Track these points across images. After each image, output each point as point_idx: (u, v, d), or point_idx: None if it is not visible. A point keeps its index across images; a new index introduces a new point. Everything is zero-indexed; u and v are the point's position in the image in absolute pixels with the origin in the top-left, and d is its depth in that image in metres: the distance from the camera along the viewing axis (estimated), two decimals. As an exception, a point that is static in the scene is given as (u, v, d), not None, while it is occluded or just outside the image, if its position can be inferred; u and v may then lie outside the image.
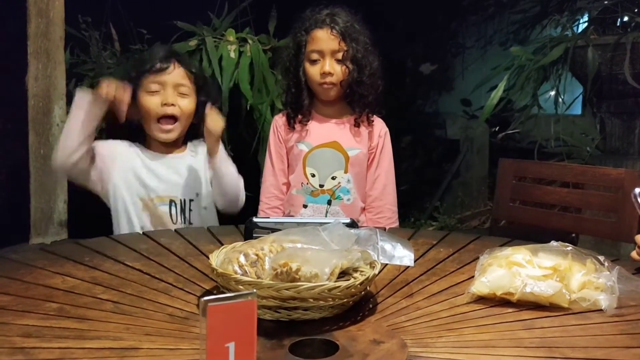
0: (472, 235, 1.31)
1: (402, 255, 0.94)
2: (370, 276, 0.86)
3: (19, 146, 2.10)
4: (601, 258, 0.93)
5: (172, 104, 1.51)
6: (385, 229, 1.17)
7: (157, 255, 1.10)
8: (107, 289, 0.92)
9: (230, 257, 0.87)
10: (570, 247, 0.94)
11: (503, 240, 1.23)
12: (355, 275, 0.92)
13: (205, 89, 1.59)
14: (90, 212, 2.23)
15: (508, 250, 0.95)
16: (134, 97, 1.52)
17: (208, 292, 0.93)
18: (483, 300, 0.90)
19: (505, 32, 3.69)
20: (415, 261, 0.98)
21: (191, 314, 0.85)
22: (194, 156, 1.59)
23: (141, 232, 1.26)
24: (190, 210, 1.55)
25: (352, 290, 0.83)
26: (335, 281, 0.85)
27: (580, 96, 3.11)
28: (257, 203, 1.66)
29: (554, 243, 0.96)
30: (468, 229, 3.21)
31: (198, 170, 1.58)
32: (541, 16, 3.24)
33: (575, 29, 2.83)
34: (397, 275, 1.02)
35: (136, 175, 1.54)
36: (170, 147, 1.58)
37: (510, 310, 0.87)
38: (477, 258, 1.03)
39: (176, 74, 1.53)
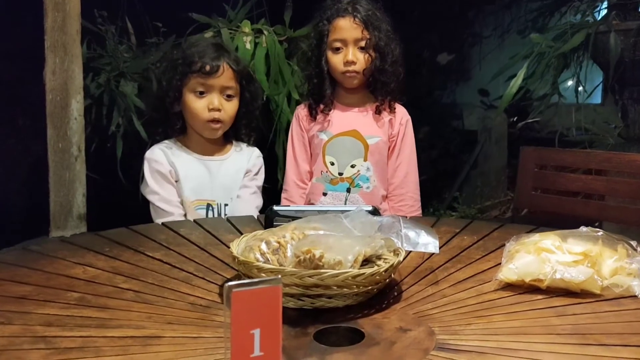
0: (495, 223, 1.28)
1: (427, 242, 0.92)
2: (395, 263, 0.84)
3: (37, 140, 2.12)
4: (633, 243, 0.90)
5: (219, 109, 1.50)
6: (407, 218, 1.15)
7: (177, 245, 1.09)
8: (128, 279, 0.92)
9: (251, 245, 0.86)
10: (600, 232, 0.91)
11: (528, 228, 1.20)
12: (378, 263, 0.90)
13: (250, 87, 1.57)
14: (109, 205, 2.24)
15: (536, 236, 0.93)
16: (179, 93, 1.51)
17: (229, 281, 0.92)
18: (511, 287, 0.87)
19: (523, 20, 3.64)
20: (439, 249, 0.96)
21: (213, 303, 0.83)
22: (236, 160, 1.58)
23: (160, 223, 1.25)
24: (225, 214, 1.54)
25: (377, 277, 0.81)
26: (359, 269, 0.83)
27: (601, 85, 3.05)
28: (276, 195, 1.65)
29: (583, 228, 0.93)
30: (489, 219, 3.17)
31: (237, 175, 1.57)
32: (559, 3, 3.18)
33: (596, 15, 2.77)
34: (421, 263, 1.00)
35: (182, 176, 1.52)
36: (211, 148, 1.57)
37: (540, 297, 0.84)
38: (503, 245, 1.01)
39: (224, 76, 1.50)
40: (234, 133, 1.60)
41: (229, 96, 1.52)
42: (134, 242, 1.09)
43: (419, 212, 1.61)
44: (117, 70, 2.45)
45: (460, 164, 3.65)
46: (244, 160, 1.59)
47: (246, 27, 2.43)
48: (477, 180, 3.57)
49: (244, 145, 1.61)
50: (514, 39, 3.75)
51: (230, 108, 1.52)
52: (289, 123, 2.08)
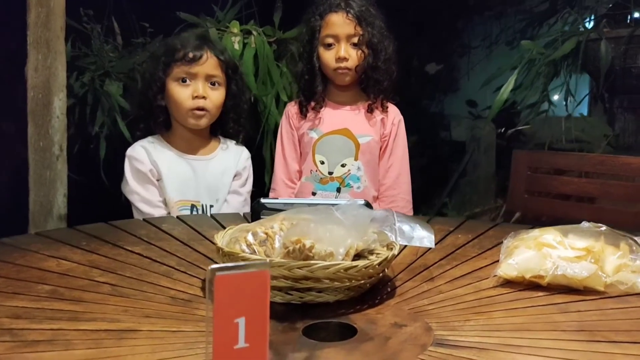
0: (490, 223, 1.24)
1: (422, 236, 0.87)
2: (389, 256, 0.79)
3: (17, 138, 2.05)
4: (638, 239, 0.86)
5: (204, 97, 1.45)
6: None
7: (158, 240, 1.04)
8: (105, 272, 0.86)
9: (237, 237, 0.80)
10: (603, 228, 0.87)
11: (524, 227, 1.16)
12: (370, 257, 0.85)
13: (236, 78, 1.52)
14: (91, 207, 2.18)
15: (536, 232, 0.89)
16: (162, 84, 1.46)
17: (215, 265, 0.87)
18: (510, 283, 0.83)
19: (512, 32, 3.65)
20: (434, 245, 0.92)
21: (194, 297, 0.78)
22: (223, 160, 1.53)
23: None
24: (210, 216, 1.48)
25: (370, 270, 0.76)
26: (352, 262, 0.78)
27: (588, 95, 3.05)
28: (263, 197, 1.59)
29: (585, 224, 0.89)
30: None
31: (223, 176, 1.51)
32: (548, 14, 3.19)
33: (585, 24, 2.78)
34: (415, 260, 0.96)
35: (164, 175, 1.47)
36: (197, 145, 1.51)
37: (541, 293, 0.80)
38: (499, 243, 0.97)
39: (208, 64, 1.46)
40: (221, 128, 1.54)
41: (213, 84, 1.47)
42: (112, 237, 1.04)
43: (410, 214, 1.56)
44: (102, 69, 2.39)
45: (448, 173, 3.64)
46: (232, 160, 1.54)
47: (235, 27, 2.39)
48: (466, 188, 3.55)
49: (231, 144, 1.56)
50: (502, 50, 3.76)
51: (216, 97, 1.47)
52: (276, 125, 2.03)
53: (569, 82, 2.72)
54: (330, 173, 1.50)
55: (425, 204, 3.28)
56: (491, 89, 3.32)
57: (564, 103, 2.77)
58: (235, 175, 1.53)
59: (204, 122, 1.47)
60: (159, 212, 1.43)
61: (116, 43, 2.56)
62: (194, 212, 1.46)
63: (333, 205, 0.90)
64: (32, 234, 1.08)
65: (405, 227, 0.88)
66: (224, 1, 2.53)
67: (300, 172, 1.55)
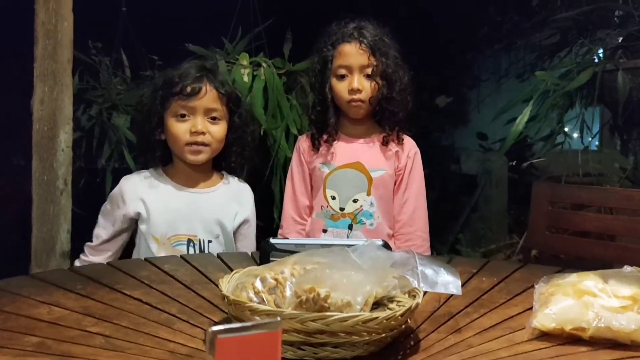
0: (515, 263, 1.16)
1: (447, 281, 0.80)
2: (412, 306, 0.71)
3: (21, 172, 2.01)
4: (688, 286, 0.78)
5: (202, 132, 1.39)
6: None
7: (160, 283, 0.96)
8: (99, 321, 0.78)
9: (244, 283, 0.73)
10: (648, 273, 0.79)
11: (552, 269, 1.08)
12: (391, 306, 0.78)
13: (239, 110, 1.46)
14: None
15: (573, 277, 0.81)
16: (161, 118, 1.41)
17: (217, 325, 0.79)
18: (548, 336, 0.75)
19: (522, 64, 3.62)
20: (460, 290, 0.84)
21: (196, 351, 0.70)
22: (224, 195, 1.46)
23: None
24: (209, 252, 1.40)
25: (392, 322, 0.69)
26: (371, 312, 0.70)
27: (600, 127, 2.99)
28: (272, 235, 1.52)
29: (627, 268, 0.81)
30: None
31: (223, 211, 1.44)
32: (560, 46, 3.15)
33: (600, 55, 2.73)
34: (439, 307, 0.88)
35: (156, 211, 1.40)
36: (197, 179, 1.45)
37: (584, 348, 0.72)
38: (529, 288, 0.89)
39: (207, 98, 1.40)
40: (224, 161, 1.48)
41: (214, 119, 1.41)
42: (110, 279, 0.97)
43: (428, 253, 1.48)
44: (109, 102, 2.36)
45: (459, 207, 3.57)
46: (233, 196, 1.47)
47: (244, 59, 2.36)
48: (477, 223, 3.48)
49: (233, 180, 1.50)
50: (512, 83, 3.73)
51: (216, 131, 1.41)
52: (286, 159, 1.97)
53: (584, 114, 2.66)
54: (342, 209, 1.42)
55: (436, 239, 3.19)
56: (502, 122, 3.28)
57: (578, 135, 2.71)
58: (243, 222, 1.47)
59: (202, 157, 1.41)
60: (92, 255, 1.44)
61: (124, 76, 2.53)
62: (191, 248, 1.38)
63: (349, 246, 0.82)
64: (25, 276, 1.01)
65: (429, 271, 0.81)
66: (233, 33, 2.50)
67: (310, 208, 1.48)
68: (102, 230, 1.45)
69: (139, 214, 1.38)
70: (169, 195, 1.41)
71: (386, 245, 0.89)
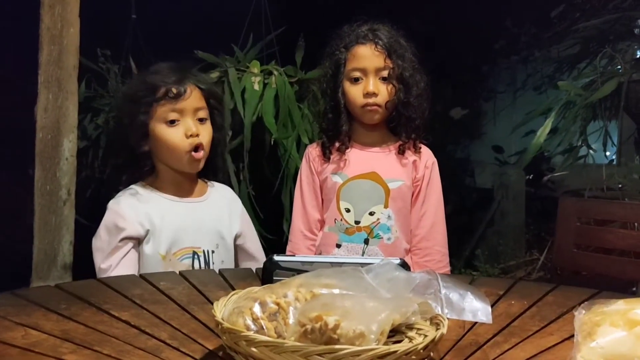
0: (545, 284, 1.05)
1: (475, 308, 0.70)
2: (436, 337, 0.62)
3: (23, 181, 1.94)
4: None
5: (198, 134, 1.29)
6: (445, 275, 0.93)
7: (153, 302, 0.87)
8: (78, 348, 0.69)
9: (241, 307, 0.63)
10: None
11: (586, 292, 0.98)
12: (410, 334, 0.68)
13: (219, 108, 1.37)
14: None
15: (620, 304, 0.70)
16: (144, 127, 1.30)
17: (211, 354, 0.70)
18: (595, 373, 0.64)
19: (540, 76, 3.54)
20: (490, 316, 0.73)
21: (186, 386, 0.61)
22: (217, 200, 1.37)
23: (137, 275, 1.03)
24: (213, 263, 1.31)
25: (413, 357, 0.59)
26: (386, 343, 0.61)
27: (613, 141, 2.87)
28: (281, 249, 1.43)
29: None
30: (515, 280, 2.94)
31: (220, 218, 1.35)
32: (580, 57, 3.06)
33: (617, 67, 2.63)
34: (463, 335, 0.78)
35: (157, 228, 1.29)
36: (188, 188, 1.35)
37: (639, 389, 0.61)
38: (565, 313, 0.79)
39: (193, 97, 1.30)
40: (209, 165, 1.37)
41: (201, 120, 1.31)
42: (99, 297, 0.88)
43: (447, 269, 1.38)
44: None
45: (474, 221, 3.48)
46: (224, 202, 1.38)
47: (255, 67, 2.29)
48: (494, 238, 3.38)
49: (217, 185, 1.41)
50: (529, 95, 3.65)
51: (207, 133, 1.32)
52: (297, 169, 1.88)
53: (607, 126, 2.56)
54: (357, 222, 1.33)
55: (452, 253, 3.09)
56: (518, 135, 3.18)
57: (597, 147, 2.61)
58: (237, 236, 1.37)
59: (201, 164, 1.32)
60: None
61: (133, 84, 2.47)
62: (196, 260, 1.29)
63: (362, 265, 0.73)
64: (7, 292, 0.92)
65: (454, 296, 0.71)
66: (244, 40, 2.44)
67: (321, 222, 1.38)
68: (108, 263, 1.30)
69: (141, 236, 1.28)
70: (166, 209, 1.31)
71: (404, 265, 0.80)
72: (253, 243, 1.41)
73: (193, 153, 1.29)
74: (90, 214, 2.04)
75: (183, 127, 1.28)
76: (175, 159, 1.30)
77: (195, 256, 1.27)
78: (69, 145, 1.93)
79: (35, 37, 1.86)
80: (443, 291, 0.71)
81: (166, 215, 1.29)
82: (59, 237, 1.91)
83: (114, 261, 1.26)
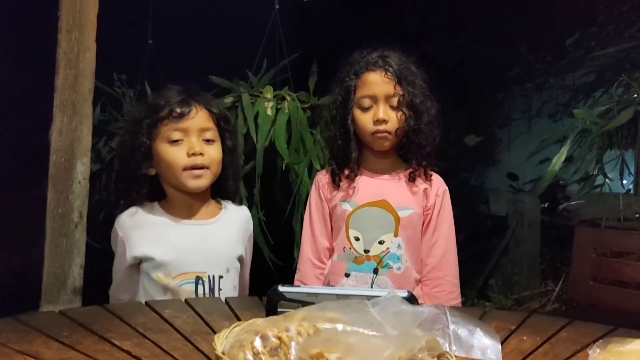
0: (559, 319, 1.02)
1: (485, 345, 0.67)
2: (444, 376, 0.59)
3: (36, 203, 1.95)
4: None
5: (201, 154, 1.27)
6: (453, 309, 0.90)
7: (156, 332, 0.86)
8: (77, 378, 0.68)
9: (241, 340, 0.62)
10: None
11: (602, 328, 0.94)
12: (417, 371, 0.65)
13: (229, 130, 1.36)
14: (108, 279, 2.04)
15: (636, 344, 0.67)
16: (147, 149, 1.30)
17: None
18: (611, 418, 0.61)
19: (555, 104, 3.53)
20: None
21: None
22: (229, 223, 1.35)
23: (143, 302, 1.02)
24: (220, 289, 1.27)
25: (419, 397, 0.56)
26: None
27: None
28: (291, 276, 1.41)
29: None
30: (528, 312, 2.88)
31: (231, 242, 1.33)
32: (595, 86, 3.04)
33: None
34: (473, 373, 0.75)
35: (157, 249, 1.28)
36: (198, 210, 1.33)
37: None
38: (579, 351, 0.76)
39: (199, 117, 1.29)
40: (220, 188, 1.36)
41: (208, 141, 1.30)
42: (102, 325, 0.87)
43: (458, 301, 1.35)
44: (130, 134, 2.30)
45: (488, 249, 3.43)
46: (237, 224, 1.36)
47: (268, 92, 2.31)
48: (508, 267, 3.33)
49: (230, 205, 1.38)
50: (543, 122, 3.64)
51: (214, 153, 1.30)
52: (308, 195, 1.88)
53: (624, 154, 2.53)
54: (367, 251, 1.31)
55: (464, 283, 3.03)
56: (533, 162, 3.16)
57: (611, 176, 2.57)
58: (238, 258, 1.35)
59: (203, 182, 1.29)
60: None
61: (147, 108, 2.50)
62: (200, 286, 1.26)
63: (368, 298, 0.71)
64: (9, 318, 0.91)
65: (463, 332, 0.68)
66: (258, 66, 2.46)
67: (330, 250, 1.36)
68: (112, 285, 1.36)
69: (142, 255, 1.27)
70: (169, 229, 1.29)
71: (412, 298, 0.77)
72: (242, 276, 1.37)
73: (193, 170, 1.27)
74: (102, 237, 2.04)
75: (186, 146, 1.27)
76: (174, 176, 1.28)
77: (200, 281, 1.25)
78: (82, 168, 1.94)
79: (52, 61, 1.89)
80: (451, 327, 0.68)
81: (169, 236, 1.28)
82: (69, 260, 1.91)
83: (115, 284, 1.27)
